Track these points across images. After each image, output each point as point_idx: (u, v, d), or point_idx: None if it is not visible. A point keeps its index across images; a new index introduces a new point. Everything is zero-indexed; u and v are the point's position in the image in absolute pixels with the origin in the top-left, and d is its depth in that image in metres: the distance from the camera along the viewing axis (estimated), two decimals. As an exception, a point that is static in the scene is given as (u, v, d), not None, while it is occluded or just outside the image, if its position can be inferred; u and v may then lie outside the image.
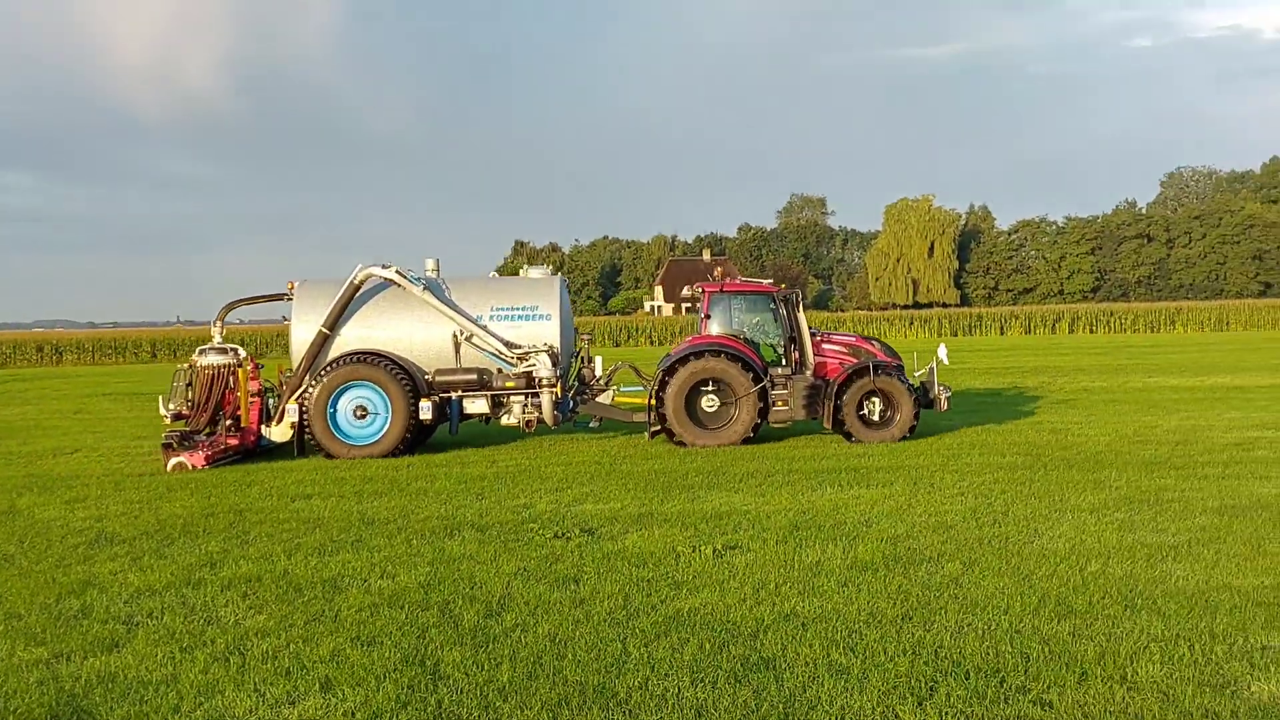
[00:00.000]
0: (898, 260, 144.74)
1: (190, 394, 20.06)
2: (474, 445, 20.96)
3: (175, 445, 18.78)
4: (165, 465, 18.60)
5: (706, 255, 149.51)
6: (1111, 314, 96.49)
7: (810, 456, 18.26)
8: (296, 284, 20.95)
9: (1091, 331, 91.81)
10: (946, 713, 7.02)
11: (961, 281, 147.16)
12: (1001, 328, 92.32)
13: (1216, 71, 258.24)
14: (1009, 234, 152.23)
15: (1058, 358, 50.10)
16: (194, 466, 18.46)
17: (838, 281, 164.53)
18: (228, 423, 19.97)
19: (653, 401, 20.05)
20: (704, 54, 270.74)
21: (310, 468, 18.30)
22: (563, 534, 12.39)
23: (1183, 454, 17.47)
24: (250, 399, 20.13)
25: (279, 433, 20.12)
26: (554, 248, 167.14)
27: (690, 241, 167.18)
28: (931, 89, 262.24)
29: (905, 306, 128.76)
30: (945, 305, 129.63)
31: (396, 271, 20.50)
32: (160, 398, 20.67)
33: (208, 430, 20.04)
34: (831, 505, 13.87)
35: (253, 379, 20.24)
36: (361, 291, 20.54)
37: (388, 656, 8.29)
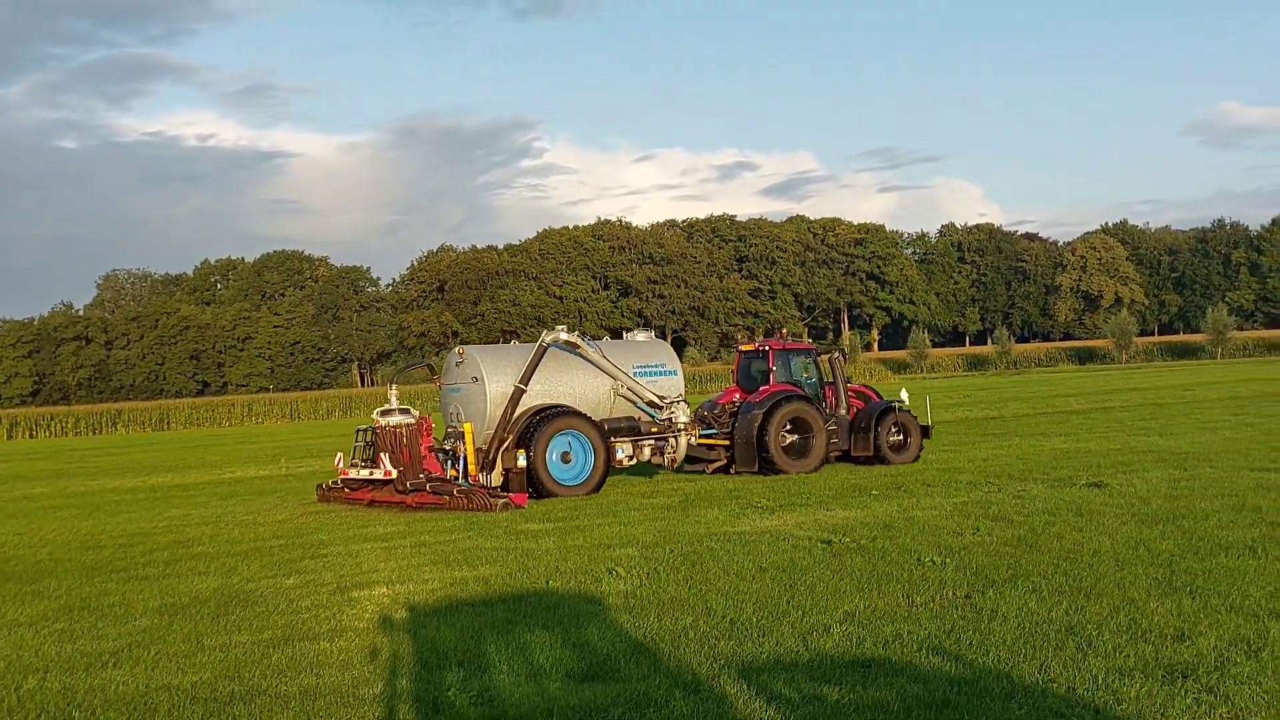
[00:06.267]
0: None
1: (369, 453, 22.56)
2: None
3: (489, 492, 20.61)
4: (494, 508, 19.64)
5: None
6: (52, 418, 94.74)
7: None
8: (465, 349, 23.26)
9: (32, 436, 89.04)
10: None
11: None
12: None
13: (142, 175, 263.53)
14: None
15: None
16: (520, 505, 19.93)
17: None
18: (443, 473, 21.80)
19: (735, 440, 23.80)
20: None
21: None
22: None
23: (125, 556, 17.37)
24: (428, 453, 21.94)
25: (493, 479, 21.70)
26: None
27: None
28: None
29: None
30: None
31: (578, 335, 23.34)
32: (356, 458, 22.89)
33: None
34: None
35: (426, 435, 21.88)
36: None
37: None
